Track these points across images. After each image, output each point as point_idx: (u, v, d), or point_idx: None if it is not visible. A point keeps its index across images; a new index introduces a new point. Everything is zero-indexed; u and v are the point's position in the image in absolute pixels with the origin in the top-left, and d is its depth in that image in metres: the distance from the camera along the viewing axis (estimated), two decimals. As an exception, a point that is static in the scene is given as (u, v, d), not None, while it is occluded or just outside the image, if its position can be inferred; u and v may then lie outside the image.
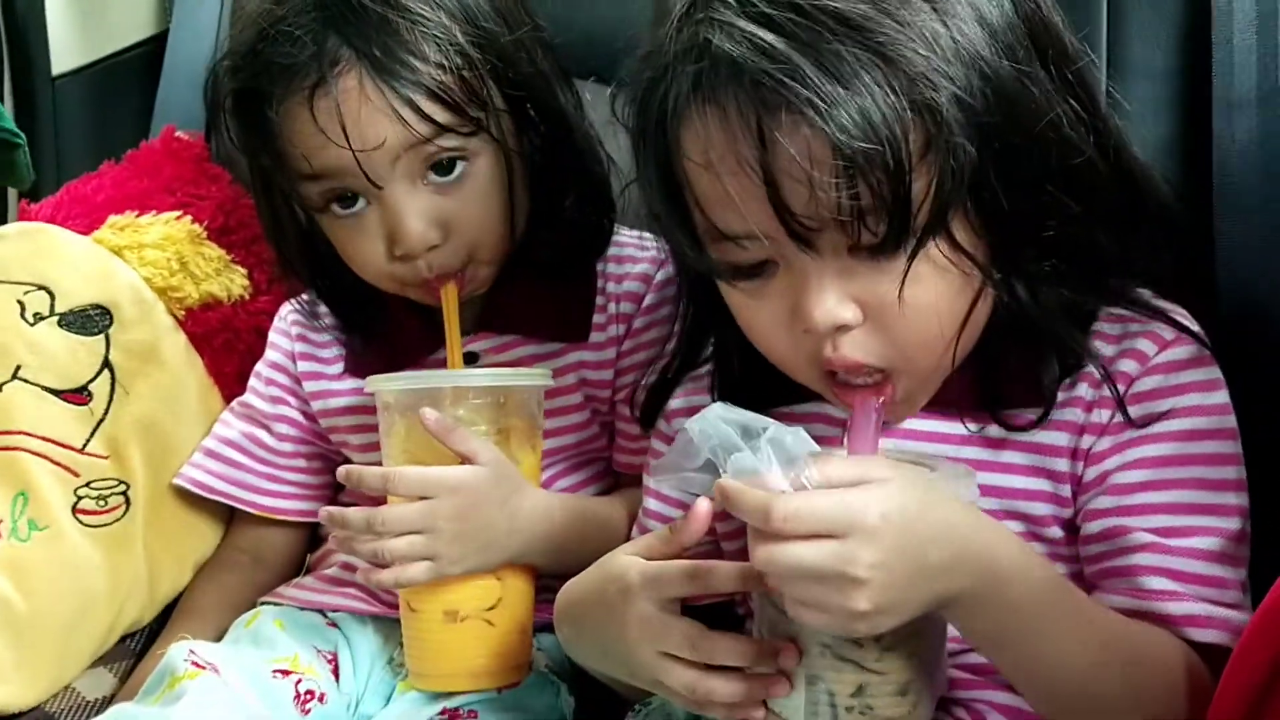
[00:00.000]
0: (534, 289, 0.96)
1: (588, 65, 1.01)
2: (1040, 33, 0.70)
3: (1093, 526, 0.73)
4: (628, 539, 0.86)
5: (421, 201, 0.87)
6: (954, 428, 0.77)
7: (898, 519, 0.61)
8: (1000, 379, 0.74)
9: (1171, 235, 0.76)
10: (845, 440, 0.71)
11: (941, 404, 0.76)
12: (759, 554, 0.62)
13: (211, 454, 1.05)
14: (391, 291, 0.93)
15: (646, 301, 0.97)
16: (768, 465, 0.63)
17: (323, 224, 0.92)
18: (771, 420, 0.64)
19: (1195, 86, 0.88)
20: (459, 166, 0.87)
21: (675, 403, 0.86)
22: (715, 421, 0.65)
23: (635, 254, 0.99)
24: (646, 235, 0.99)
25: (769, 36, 0.64)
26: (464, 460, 0.84)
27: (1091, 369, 0.74)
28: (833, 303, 0.67)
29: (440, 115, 0.84)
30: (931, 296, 0.68)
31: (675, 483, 0.69)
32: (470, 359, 0.96)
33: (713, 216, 0.69)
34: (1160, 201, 0.75)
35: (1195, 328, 0.75)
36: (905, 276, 0.66)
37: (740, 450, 0.63)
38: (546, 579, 0.91)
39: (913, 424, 0.77)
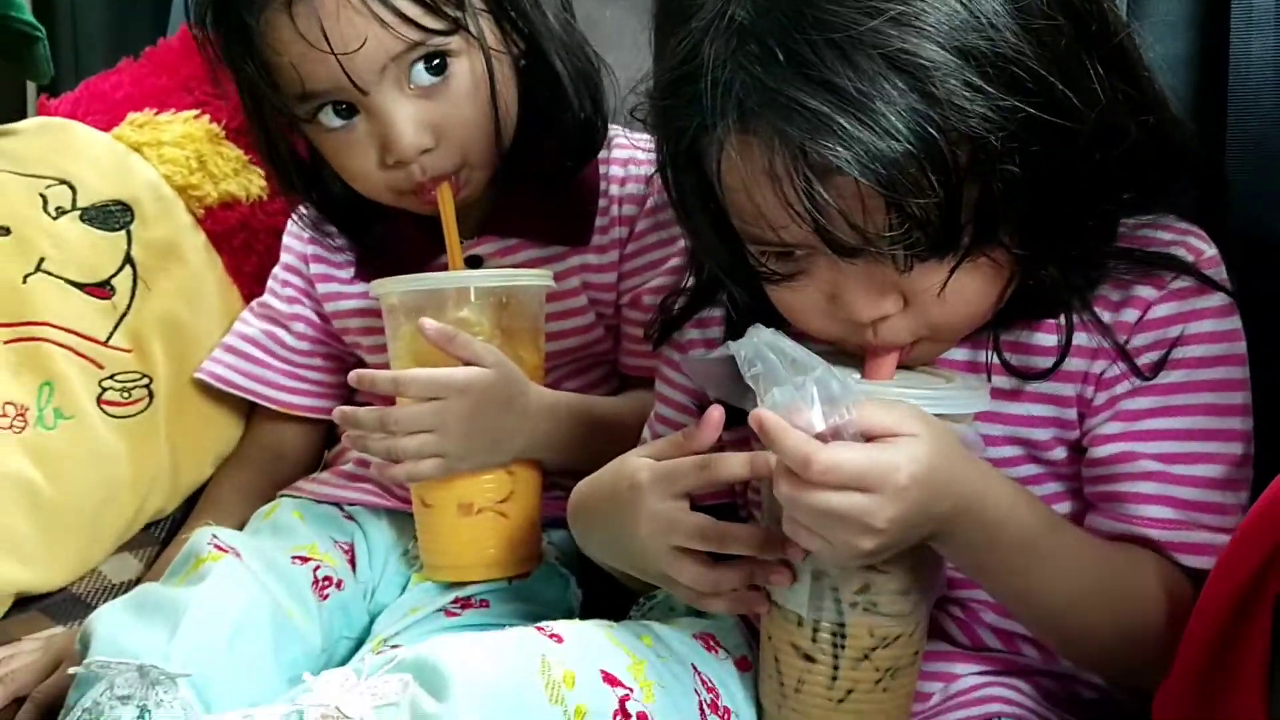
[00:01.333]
0: (535, 193, 0.97)
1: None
2: (1084, 17, 0.66)
3: (1099, 451, 0.74)
4: (635, 439, 0.89)
5: (410, 106, 0.87)
6: (959, 354, 0.77)
7: (924, 477, 0.63)
8: (1010, 309, 0.74)
9: (1195, 179, 0.75)
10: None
11: None
12: (784, 490, 0.63)
13: (232, 350, 1.07)
14: (388, 203, 0.93)
15: (650, 203, 0.98)
16: (809, 404, 0.63)
17: (313, 139, 0.93)
18: (822, 361, 0.65)
19: (1213, 3, 0.87)
20: (447, 66, 0.88)
21: (691, 332, 0.86)
22: (763, 349, 0.65)
23: (637, 155, 0.99)
24: (649, 137, 1.00)
25: (809, 98, 0.61)
26: (468, 364, 0.85)
27: (1105, 293, 0.74)
28: (876, 297, 0.68)
29: (417, 14, 0.85)
30: (971, 288, 0.68)
31: (705, 380, 0.70)
32: (474, 262, 0.97)
33: (751, 228, 0.68)
34: (1193, 159, 0.75)
35: (1210, 250, 0.75)
36: (949, 278, 0.67)
37: (783, 385, 0.64)
38: (555, 476, 0.94)
39: None
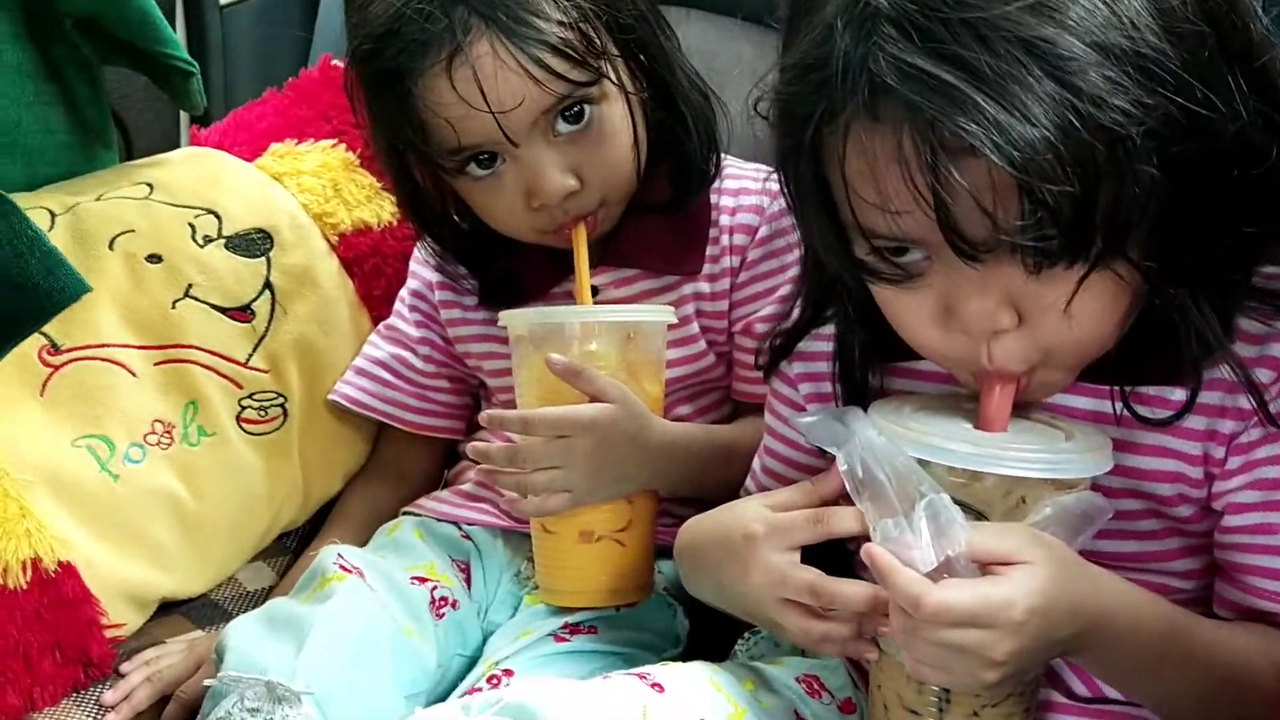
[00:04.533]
0: (651, 224, 0.98)
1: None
2: (1228, 30, 0.64)
3: (1236, 519, 0.72)
4: (749, 465, 0.89)
5: (556, 154, 0.90)
6: (1081, 402, 0.75)
7: (1042, 608, 0.62)
8: (1137, 354, 0.71)
9: None
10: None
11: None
12: (900, 626, 0.64)
13: (362, 372, 1.11)
14: (530, 241, 0.96)
15: (760, 233, 0.98)
16: (917, 536, 0.63)
17: (458, 187, 0.95)
18: (928, 477, 0.64)
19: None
20: (587, 113, 0.90)
21: (797, 365, 0.85)
22: (868, 462, 0.66)
23: (749, 185, 1.00)
24: (760, 167, 1.00)
25: (945, 74, 0.59)
26: (593, 399, 0.87)
27: (1237, 348, 0.70)
28: (993, 307, 0.65)
29: (566, 69, 0.87)
30: (1096, 306, 0.65)
31: (820, 441, 0.71)
32: (591, 293, 0.98)
33: (868, 222, 0.66)
34: None
35: None
36: (1075, 292, 0.64)
37: (895, 515, 0.64)
38: (667, 504, 0.95)
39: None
